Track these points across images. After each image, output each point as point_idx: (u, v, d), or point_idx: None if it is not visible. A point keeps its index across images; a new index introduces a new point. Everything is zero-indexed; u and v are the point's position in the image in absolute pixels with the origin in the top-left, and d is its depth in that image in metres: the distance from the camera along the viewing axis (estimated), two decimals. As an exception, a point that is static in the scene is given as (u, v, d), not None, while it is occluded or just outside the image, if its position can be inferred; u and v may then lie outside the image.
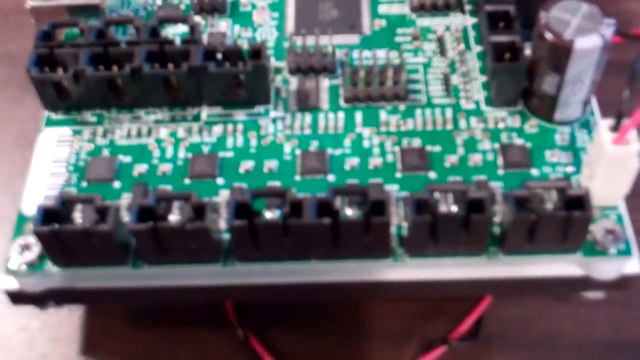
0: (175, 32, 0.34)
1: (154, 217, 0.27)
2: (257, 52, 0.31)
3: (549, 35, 0.28)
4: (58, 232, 0.27)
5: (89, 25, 0.32)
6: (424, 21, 0.35)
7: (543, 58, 0.29)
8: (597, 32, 0.28)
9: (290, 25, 0.35)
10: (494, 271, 0.29)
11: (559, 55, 0.28)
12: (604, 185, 0.28)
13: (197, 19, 0.35)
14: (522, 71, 0.30)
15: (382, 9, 0.35)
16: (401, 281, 0.29)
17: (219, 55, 0.31)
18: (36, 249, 0.28)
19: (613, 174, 0.27)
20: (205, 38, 0.34)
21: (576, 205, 0.26)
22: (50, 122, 0.32)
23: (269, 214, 0.27)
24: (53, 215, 0.27)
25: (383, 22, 0.35)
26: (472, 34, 0.34)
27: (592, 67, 0.29)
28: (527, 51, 0.31)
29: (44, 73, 0.31)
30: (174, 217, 0.27)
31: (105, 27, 0.32)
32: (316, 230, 0.27)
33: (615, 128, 0.27)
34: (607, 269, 0.29)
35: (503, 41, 0.31)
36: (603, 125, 0.27)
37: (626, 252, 0.28)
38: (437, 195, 0.27)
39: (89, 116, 0.32)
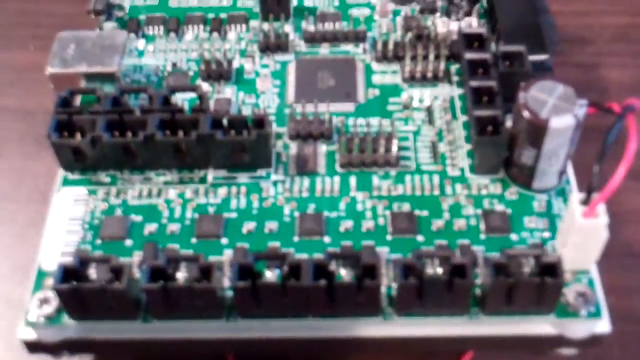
0: (184, 97, 0.37)
1: (164, 277, 0.29)
2: (260, 122, 0.34)
3: (527, 115, 0.31)
4: (76, 290, 0.29)
5: (106, 94, 0.34)
6: (415, 91, 0.38)
7: (522, 134, 0.32)
8: (571, 113, 0.31)
9: (291, 92, 0.38)
10: (475, 330, 0.31)
11: (536, 132, 0.31)
12: (576, 252, 0.31)
13: (205, 86, 0.38)
14: (503, 144, 0.33)
15: (376, 79, 0.38)
16: (390, 337, 0.31)
17: (225, 122, 0.34)
18: (54, 303, 0.31)
19: (584, 242, 0.30)
20: (212, 104, 0.37)
21: (550, 271, 0.29)
22: (67, 182, 0.35)
23: (270, 275, 0.29)
24: (72, 273, 0.29)
25: (377, 92, 0.38)
26: (458, 104, 0.37)
27: (567, 143, 0.32)
28: (509, 123, 0.34)
29: (63, 138, 0.34)
30: (182, 275, 0.29)
31: (120, 95, 0.35)
32: (313, 291, 0.29)
33: (585, 202, 0.29)
34: (579, 329, 0.31)
35: (486, 116, 0.34)
36: (575, 199, 0.30)
37: (596, 315, 0.30)
38: (424, 259, 0.30)
39: (104, 177, 0.35)
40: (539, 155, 0.32)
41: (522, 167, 0.33)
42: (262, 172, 0.35)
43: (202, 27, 0.40)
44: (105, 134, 0.33)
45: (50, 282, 0.31)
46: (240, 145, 0.34)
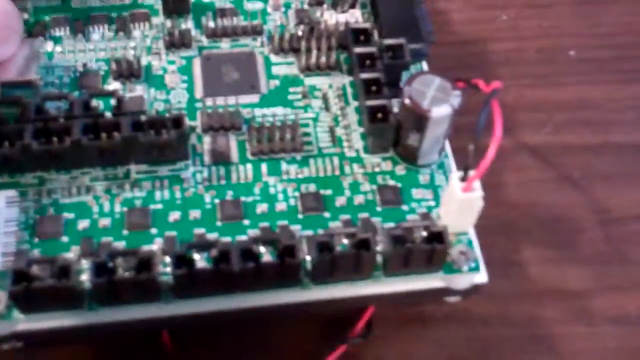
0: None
1: (107, 271, 0.33)
2: (178, 121, 0.37)
3: (410, 106, 0.36)
4: (29, 290, 0.32)
5: (29, 102, 0.37)
6: (311, 80, 0.42)
7: (407, 121, 0.37)
8: (447, 103, 0.36)
9: (199, 87, 0.41)
10: (377, 289, 0.36)
11: (419, 120, 0.37)
12: (457, 218, 0.37)
13: (117, 85, 0.41)
14: (391, 130, 0.38)
15: (275, 70, 0.42)
16: (307, 302, 0.36)
17: (144, 123, 0.37)
18: (4, 301, 0.34)
19: (463, 211, 0.36)
20: (127, 104, 0.40)
21: (437, 238, 0.35)
22: (-1, 186, 0.37)
23: (201, 263, 0.34)
24: (22, 275, 0.32)
25: (277, 82, 0.42)
26: (349, 91, 0.42)
27: (446, 127, 0.37)
28: (395, 108, 0.39)
29: (-7, 148, 0.36)
30: (123, 266, 0.33)
31: (42, 103, 0.37)
32: (241, 272, 0.34)
33: (463, 179, 0.35)
34: (462, 281, 0.37)
35: (376, 105, 0.39)
36: (454, 177, 0.35)
37: (476, 269, 0.37)
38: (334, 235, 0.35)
39: (31, 179, 0.37)
40: (423, 138, 0.38)
41: (409, 147, 0.39)
42: (180, 165, 0.39)
43: (106, 26, 0.43)
44: (34, 141, 0.36)
45: (-5, 282, 0.34)
46: (161, 144, 0.37)
